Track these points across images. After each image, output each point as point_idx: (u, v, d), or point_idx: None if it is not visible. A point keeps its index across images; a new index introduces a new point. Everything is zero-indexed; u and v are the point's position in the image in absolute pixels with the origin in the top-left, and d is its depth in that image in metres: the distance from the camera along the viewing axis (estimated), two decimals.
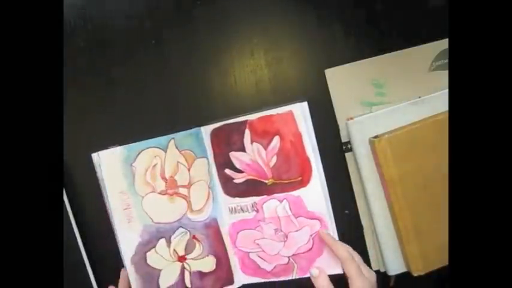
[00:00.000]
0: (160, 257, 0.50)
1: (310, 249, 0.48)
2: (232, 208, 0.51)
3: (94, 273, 0.51)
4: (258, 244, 0.50)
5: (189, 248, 0.51)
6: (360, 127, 0.47)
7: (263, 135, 0.48)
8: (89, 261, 0.51)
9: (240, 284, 0.51)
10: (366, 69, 0.49)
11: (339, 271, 0.46)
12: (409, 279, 0.48)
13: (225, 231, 0.51)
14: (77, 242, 0.51)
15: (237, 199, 0.50)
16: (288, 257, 0.49)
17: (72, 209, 0.51)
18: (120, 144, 0.49)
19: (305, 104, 0.47)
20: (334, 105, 0.50)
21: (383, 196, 0.48)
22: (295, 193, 0.48)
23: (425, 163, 0.46)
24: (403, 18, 0.50)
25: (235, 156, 0.49)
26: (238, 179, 0.50)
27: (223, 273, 0.51)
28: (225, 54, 0.52)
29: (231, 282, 0.51)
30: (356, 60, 0.49)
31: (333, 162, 0.49)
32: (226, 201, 0.51)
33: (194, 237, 0.50)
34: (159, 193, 0.50)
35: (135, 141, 0.49)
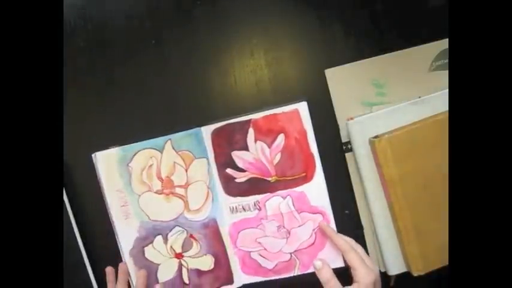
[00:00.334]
0: (157, 252, 0.51)
1: (313, 243, 0.49)
2: (233, 208, 0.51)
3: (94, 273, 0.51)
4: (259, 243, 0.51)
5: (186, 246, 0.51)
6: (360, 127, 0.47)
7: (267, 133, 0.49)
8: (89, 261, 0.51)
9: (240, 284, 0.51)
10: (366, 69, 0.49)
11: (340, 264, 0.48)
12: (409, 279, 0.48)
13: (225, 231, 0.51)
14: (77, 242, 0.51)
15: (239, 198, 0.50)
16: (290, 253, 0.50)
17: (72, 209, 0.51)
18: (120, 144, 0.50)
19: (305, 104, 0.48)
20: (334, 105, 0.50)
21: (383, 196, 0.48)
22: (299, 189, 0.49)
23: (425, 163, 0.46)
24: (403, 18, 0.50)
25: (237, 155, 0.50)
26: (240, 178, 0.50)
27: (222, 272, 0.51)
28: (225, 54, 0.52)
29: (231, 281, 0.51)
30: (356, 60, 0.49)
31: (333, 162, 0.50)
32: (227, 201, 0.51)
33: (191, 236, 0.51)
34: (155, 192, 0.50)
35: (135, 141, 0.50)
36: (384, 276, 0.50)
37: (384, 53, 0.49)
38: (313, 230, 0.49)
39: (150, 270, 0.51)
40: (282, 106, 0.48)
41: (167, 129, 0.50)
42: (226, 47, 0.52)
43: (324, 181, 0.49)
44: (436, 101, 0.47)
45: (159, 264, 0.51)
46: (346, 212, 0.51)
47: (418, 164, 0.46)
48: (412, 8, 0.50)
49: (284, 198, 0.49)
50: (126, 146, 0.50)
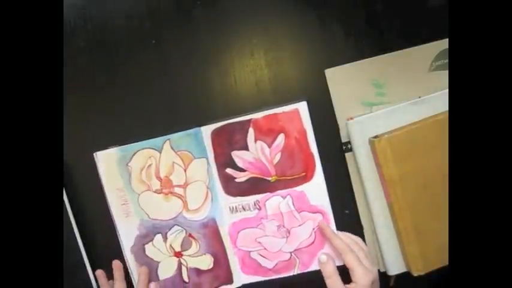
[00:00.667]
0: (157, 250, 0.52)
1: (312, 243, 0.50)
2: (233, 207, 0.51)
3: (94, 273, 0.51)
4: (259, 242, 0.51)
5: (185, 245, 0.51)
6: (360, 127, 0.47)
7: (268, 133, 0.49)
8: (89, 261, 0.51)
9: (240, 284, 0.52)
10: (366, 69, 0.49)
11: (340, 263, 0.48)
12: (409, 279, 0.48)
13: (224, 231, 0.51)
14: (77, 242, 0.51)
15: (239, 198, 0.50)
16: (290, 252, 0.50)
17: (72, 209, 0.51)
18: (120, 144, 0.50)
19: (305, 104, 0.48)
20: (334, 105, 0.50)
21: (383, 196, 0.48)
22: (299, 188, 0.49)
23: (425, 163, 0.46)
24: (403, 18, 0.50)
25: (237, 155, 0.50)
26: (240, 178, 0.50)
27: (221, 272, 0.51)
28: (225, 54, 0.52)
29: (230, 281, 0.51)
30: (356, 60, 0.49)
31: (333, 162, 0.50)
32: (226, 201, 0.51)
33: (190, 235, 0.51)
34: (154, 191, 0.51)
35: (135, 141, 0.50)
36: (384, 276, 0.50)
37: (384, 53, 0.49)
38: (313, 229, 0.50)
39: (151, 267, 0.51)
40: (282, 106, 0.48)
41: (167, 129, 0.50)
42: (226, 47, 0.52)
43: (324, 181, 0.49)
44: (436, 101, 0.47)
45: (159, 262, 0.52)
46: (346, 212, 0.51)
47: (418, 164, 0.46)
48: (411, 8, 0.50)
49: (284, 197, 0.50)
50: (124, 146, 0.50)
